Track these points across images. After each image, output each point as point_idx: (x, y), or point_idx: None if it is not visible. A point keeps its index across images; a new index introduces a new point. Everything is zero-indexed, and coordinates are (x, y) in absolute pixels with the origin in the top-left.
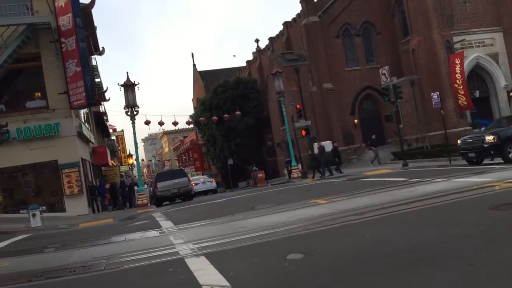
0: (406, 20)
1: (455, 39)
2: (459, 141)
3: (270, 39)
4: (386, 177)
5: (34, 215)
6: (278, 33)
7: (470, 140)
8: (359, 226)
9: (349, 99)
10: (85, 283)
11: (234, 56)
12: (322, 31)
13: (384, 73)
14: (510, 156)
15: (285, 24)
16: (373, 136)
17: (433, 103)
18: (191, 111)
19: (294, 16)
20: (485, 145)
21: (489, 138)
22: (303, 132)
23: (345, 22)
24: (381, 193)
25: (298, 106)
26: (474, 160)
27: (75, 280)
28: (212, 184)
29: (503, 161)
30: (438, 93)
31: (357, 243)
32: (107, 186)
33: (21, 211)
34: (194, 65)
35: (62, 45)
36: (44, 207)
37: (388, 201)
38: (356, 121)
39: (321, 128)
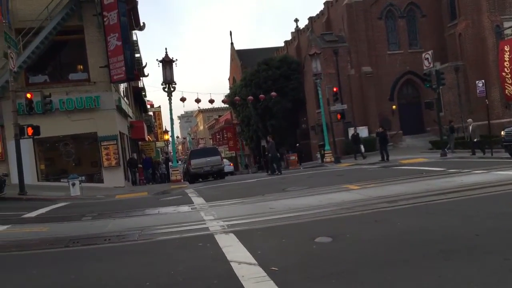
0: (454, 2)
1: (506, 24)
2: (502, 133)
3: (310, 18)
4: (423, 166)
5: (73, 185)
6: (318, 13)
7: None
8: (391, 214)
9: (389, 84)
10: (119, 252)
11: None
12: (364, 11)
13: (427, 58)
14: None
15: (326, 3)
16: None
17: (478, 91)
18: (227, 90)
19: None
20: None
21: None
22: (339, 116)
23: (389, 3)
24: (416, 182)
25: (334, 89)
26: None
27: (110, 248)
28: (230, 167)
29: None
30: (483, 81)
31: (387, 231)
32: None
33: (61, 180)
34: (232, 43)
35: (104, 19)
36: (83, 177)
37: (423, 190)
38: (394, 107)
39: (357, 113)
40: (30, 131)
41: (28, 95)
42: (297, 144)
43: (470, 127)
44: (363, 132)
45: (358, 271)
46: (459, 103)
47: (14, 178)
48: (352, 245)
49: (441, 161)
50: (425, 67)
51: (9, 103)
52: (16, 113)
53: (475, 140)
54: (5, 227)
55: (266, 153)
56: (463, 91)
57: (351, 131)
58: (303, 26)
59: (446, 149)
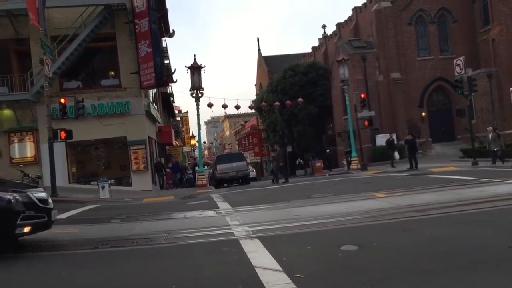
0: (488, 7)
1: None
2: None
3: (338, 24)
4: (453, 175)
5: (103, 187)
6: (346, 18)
7: None
8: (419, 223)
9: (418, 90)
10: (146, 254)
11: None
12: (393, 17)
13: (459, 64)
14: None
15: (355, 9)
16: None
17: (511, 98)
18: (254, 96)
19: (365, 1)
20: None
21: None
22: (366, 123)
23: (419, 8)
24: (446, 191)
25: (362, 96)
26: None
27: (137, 251)
28: (252, 173)
29: None
30: None
31: (415, 240)
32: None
33: (91, 183)
34: (259, 49)
35: (136, 26)
36: (112, 181)
37: (453, 199)
38: (424, 114)
39: (385, 120)
40: (63, 135)
41: (62, 100)
42: (327, 150)
43: (490, 136)
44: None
45: (385, 280)
46: (492, 110)
47: (47, 180)
48: (379, 254)
49: (472, 170)
50: (456, 73)
51: (43, 107)
52: (50, 117)
53: (495, 149)
54: None
55: (274, 161)
56: (496, 98)
57: (378, 138)
58: (331, 32)
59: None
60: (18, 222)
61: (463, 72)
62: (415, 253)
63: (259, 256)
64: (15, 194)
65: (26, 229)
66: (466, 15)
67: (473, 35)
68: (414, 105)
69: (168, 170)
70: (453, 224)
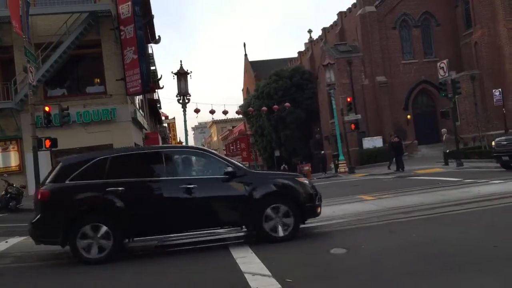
0: (470, 11)
1: None
2: (493, 143)
3: (324, 29)
4: (439, 177)
5: None
6: (332, 23)
7: (505, 143)
8: (406, 225)
9: (403, 93)
10: (133, 261)
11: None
12: (378, 21)
13: (443, 67)
14: None
15: (340, 14)
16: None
17: (494, 100)
18: (241, 101)
19: (350, 6)
20: None
21: None
22: (353, 126)
23: (403, 12)
24: (432, 192)
25: (348, 99)
26: (511, 164)
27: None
28: None
29: None
30: (500, 90)
31: (403, 242)
32: None
33: None
34: (245, 55)
35: (121, 33)
36: None
37: (439, 201)
38: (409, 116)
39: (372, 123)
40: (48, 143)
41: (47, 108)
42: (322, 152)
43: (444, 137)
44: (378, 142)
45: (374, 282)
46: (476, 112)
47: (31, 190)
48: (367, 256)
49: (457, 171)
50: (440, 76)
51: (27, 116)
52: (35, 126)
53: (447, 151)
54: (22, 238)
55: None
56: (479, 100)
57: (365, 141)
58: (317, 37)
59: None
60: (316, 203)
61: (447, 74)
62: (402, 254)
63: (248, 262)
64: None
65: (319, 210)
66: (449, 18)
67: (456, 38)
68: (399, 108)
69: None
70: (439, 225)
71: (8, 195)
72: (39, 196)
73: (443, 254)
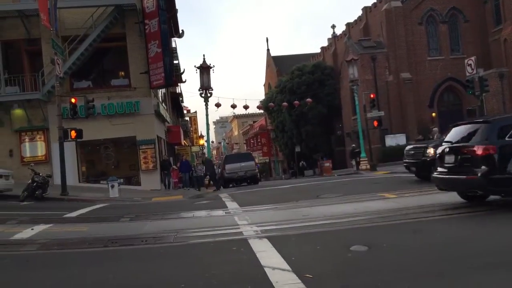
0: (500, 6)
1: None
2: (405, 150)
3: (347, 24)
4: None
5: (112, 186)
6: (356, 18)
7: (412, 152)
8: (430, 224)
9: (428, 90)
10: (156, 253)
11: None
12: (404, 17)
13: (470, 64)
14: None
15: (364, 9)
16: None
17: None
18: (262, 96)
19: (375, 0)
20: (427, 159)
21: (430, 151)
22: (375, 123)
23: (430, 8)
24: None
25: (371, 96)
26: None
27: (147, 249)
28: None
29: None
30: None
31: (426, 241)
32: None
33: (101, 182)
34: (268, 49)
35: (146, 27)
36: (121, 180)
37: (463, 201)
38: (434, 114)
39: (395, 120)
40: (73, 134)
41: (73, 100)
42: (353, 145)
43: (435, 136)
44: (401, 139)
45: (396, 282)
46: (504, 110)
47: (57, 179)
48: (389, 255)
49: None
50: (467, 74)
51: (54, 107)
52: (61, 117)
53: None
54: (48, 226)
55: (203, 171)
56: (507, 98)
57: (388, 138)
58: (340, 32)
59: None
60: None
61: (475, 72)
62: (425, 254)
63: (268, 256)
64: None
65: None
66: (478, 14)
67: (484, 34)
68: (424, 106)
69: (174, 167)
70: (465, 225)
71: (35, 184)
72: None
73: (469, 254)
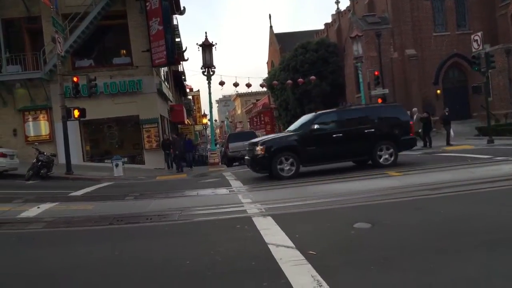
0: None
1: None
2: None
3: (352, 0)
4: (468, 154)
5: (117, 165)
6: None
7: (248, 148)
8: (433, 202)
9: (433, 67)
10: (160, 231)
11: None
12: None
13: (476, 40)
14: (280, 171)
15: None
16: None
17: None
18: (266, 74)
19: None
20: (257, 156)
21: (259, 148)
22: (380, 101)
23: None
24: (461, 169)
25: (376, 73)
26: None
27: (151, 227)
28: None
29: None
30: None
31: (429, 219)
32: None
33: (105, 161)
34: (270, 27)
35: (147, 4)
36: (125, 159)
37: (468, 178)
38: (439, 91)
39: (399, 98)
40: (76, 113)
41: (75, 79)
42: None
43: (415, 117)
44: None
45: (399, 258)
46: (509, 87)
47: (62, 158)
48: (392, 232)
49: (487, 148)
50: (473, 50)
51: (56, 86)
52: (63, 96)
53: (419, 130)
54: (53, 204)
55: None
56: None
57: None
58: (344, 8)
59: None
60: None
61: (481, 48)
62: (428, 231)
63: (272, 233)
64: None
65: None
66: None
67: (491, 10)
68: (429, 83)
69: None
70: (468, 203)
71: (39, 163)
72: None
73: (471, 232)
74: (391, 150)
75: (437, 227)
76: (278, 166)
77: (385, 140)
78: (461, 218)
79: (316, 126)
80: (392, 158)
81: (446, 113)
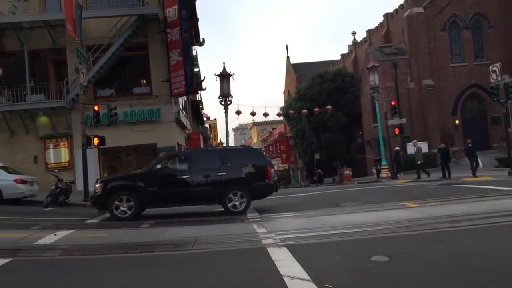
0: None
1: None
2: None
3: (368, 31)
4: (489, 185)
5: None
6: (377, 25)
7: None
8: (453, 235)
9: (451, 98)
10: (175, 260)
11: None
12: (426, 23)
13: (495, 71)
14: (117, 212)
15: (386, 15)
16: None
17: None
18: (282, 103)
19: (396, 7)
20: (96, 193)
21: (97, 186)
22: (397, 131)
23: (453, 13)
24: (481, 201)
25: (393, 103)
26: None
27: (166, 256)
28: None
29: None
30: None
31: (449, 252)
32: None
33: None
34: (287, 57)
35: (167, 36)
36: None
37: (489, 211)
38: (457, 122)
39: (417, 128)
40: (96, 141)
41: (96, 108)
42: (397, 148)
43: (415, 149)
44: (423, 147)
45: None
46: None
47: (80, 185)
48: (411, 265)
49: (508, 180)
50: (492, 80)
51: (78, 115)
52: (84, 124)
53: (418, 162)
54: (70, 231)
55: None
56: None
57: (409, 146)
58: (361, 39)
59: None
60: None
61: (499, 78)
62: (448, 265)
63: (287, 265)
64: None
65: None
66: (503, 19)
67: (509, 40)
68: (447, 113)
69: None
70: (488, 236)
71: (58, 190)
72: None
73: (492, 266)
74: (243, 197)
75: (459, 261)
76: (115, 205)
77: (237, 185)
78: (482, 252)
79: (159, 166)
80: (243, 206)
81: (469, 145)
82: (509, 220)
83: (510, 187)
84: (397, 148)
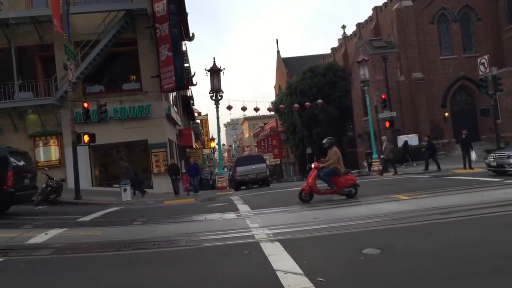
0: None
1: None
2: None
3: (358, 25)
4: (478, 177)
5: (125, 190)
6: (366, 18)
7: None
8: (444, 226)
9: (441, 90)
10: (167, 257)
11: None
12: (415, 16)
13: (483, 63)
14: None
15: (375, 8)
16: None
17: None
18: (273, 98)
19: (385, 0)
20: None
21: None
22: (387, 124)
23: (441, 6)
24: (471, 193)
25: (383, 96)
26: None
27: (159, 253)
28: None
29: None
30: None
31: (440, 244)
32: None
33: (114, 186)
34: (278, 51)
35: (156, 31)
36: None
37: (479, 202)
38: (446, 114)
39: (407, 121)
40: (86, 138)
41: (85, 105)
42: (406, 139)
43: (384, 145)
44: (413, 140)
45: (408, 285)
46: None
47: (71, 183)
48: (403, 258)
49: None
50: (480, 72)
51: (67, 112)
52: (74, 122)
53: (388, 158)
54: (62, 230)
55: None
56: None
57: (400, 139)
58: (351, 33)
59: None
60: None
61: (488, 71)
62: (439, 257)
63: (280, 259)
64: None
65: None
66: (490, 12)
67: (497, 33)
68: (436, 105)
69: (184, 172)
70: (479, 227)
71: (49, 188)
72: None
73: (483, 257)
74: None
75: (449, 253)
76: None
77: None
78: (473, 243)
79: None
80: None
81: (464, 136)
82: (499, 211)
83: (500, 178)
84: (406, 139)
